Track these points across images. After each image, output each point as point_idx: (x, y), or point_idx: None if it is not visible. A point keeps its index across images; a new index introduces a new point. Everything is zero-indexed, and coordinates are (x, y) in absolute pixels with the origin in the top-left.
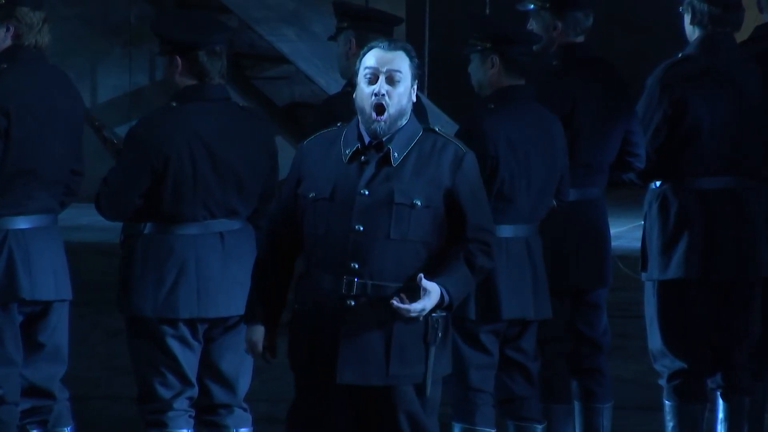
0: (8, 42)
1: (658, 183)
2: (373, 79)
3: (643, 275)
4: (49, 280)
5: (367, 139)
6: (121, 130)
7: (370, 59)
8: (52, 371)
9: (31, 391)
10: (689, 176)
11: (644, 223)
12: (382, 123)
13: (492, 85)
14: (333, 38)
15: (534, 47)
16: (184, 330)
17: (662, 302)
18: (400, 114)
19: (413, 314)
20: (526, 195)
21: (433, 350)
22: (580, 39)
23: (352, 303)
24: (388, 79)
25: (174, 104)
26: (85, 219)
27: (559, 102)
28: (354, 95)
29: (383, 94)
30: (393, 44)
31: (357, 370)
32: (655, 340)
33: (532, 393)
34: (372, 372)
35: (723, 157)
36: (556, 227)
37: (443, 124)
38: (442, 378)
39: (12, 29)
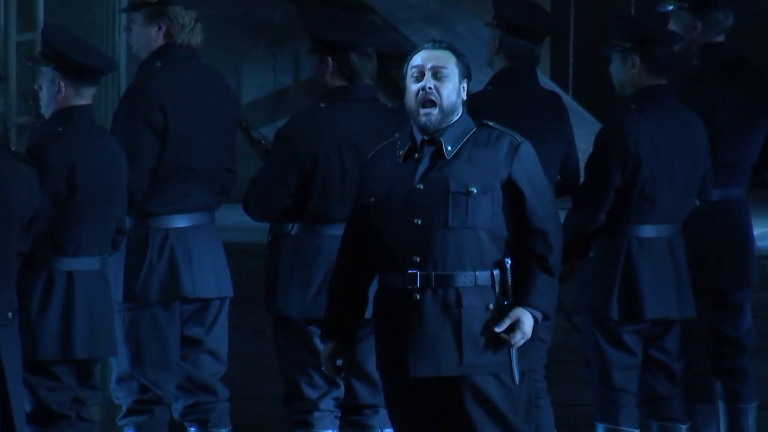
0: (160, 41)
1: None
2: (419, 77)
3: None
4: (209, 277)
5: (419, 138)
6: (266, 131)
7: (416, 59)
8: (215, 368)
9: (195, 386)
10: None
11: None
12: (432, 116)
13: (633, 85)
14: (488, 25)
15: (675, 47)
16: None
17: None
18: (451, 109)
19: (522, 342)
20: (669, 195)
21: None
22: (721, 39)
23: (417, 296)
24: (434, 75)
25: (322, 105)
26: (230, 219)
27: (699, 103)
28: (404, 101)
29: (430, 89)
30: (440, 44)
31: (430, 363)
32: None
33: (676, 393)
34: (445, 363)
35: None
36: (698, 227)
37: (587, 124)
38: (529, 373)
39: (164, 28)
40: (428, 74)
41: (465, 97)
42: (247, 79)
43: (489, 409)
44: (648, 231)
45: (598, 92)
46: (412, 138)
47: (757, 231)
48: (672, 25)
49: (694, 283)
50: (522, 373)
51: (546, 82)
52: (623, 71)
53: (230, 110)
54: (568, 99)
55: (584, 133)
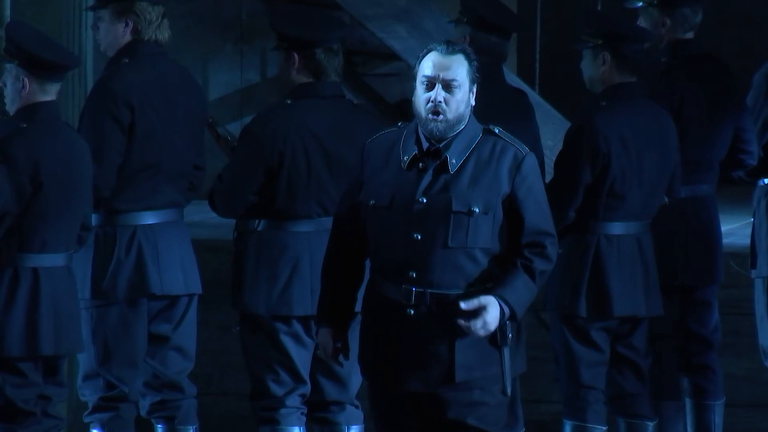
0: (128, 37)
1: (766, 180)
2: (429, 87)
3: (753, 272)
4: (177, 274)
5: (425, 145)
6: (233, 127)
7: (428, 66)
8: (182, 366)
9: (162, 384)
10: None
11: (753, 220)
12: (439, 123)
13: (603, 82)
14: (452, 22)
15: (646, 44)
16: (298, 327)
17: None
18: (458, 119)
19: (481, 332)
20: (638, 192)
21: (506, 352)
22: (689, 35)
23: (412, 312)
24: (445, 87)
25: (288, 101)
26: (197, 216)
27: (667, 99)
28: (412, 99)
29: (440, 101)
30: (451, 48)
31: (421, 378)
32: (765, 337)
33: (643, 390)
34: (436, 380)
35: None
36: (665, 224)
37: (554, 121)
38: (518, 376)
39: (131, 24)
40: (438, 86)
41: (473, 103)
42: (214, 75)
43: (473, 420)
44: (617, 228)
45: (565, 89)
46: (419, 143)
47: (725, 228)
48: (641, 22)
49: (661, 279)
50: (512, 381)
51: (513, 78)
52: (594, 68)
53: (198, 107)
54: (535, 96)
55: (551, 130)
